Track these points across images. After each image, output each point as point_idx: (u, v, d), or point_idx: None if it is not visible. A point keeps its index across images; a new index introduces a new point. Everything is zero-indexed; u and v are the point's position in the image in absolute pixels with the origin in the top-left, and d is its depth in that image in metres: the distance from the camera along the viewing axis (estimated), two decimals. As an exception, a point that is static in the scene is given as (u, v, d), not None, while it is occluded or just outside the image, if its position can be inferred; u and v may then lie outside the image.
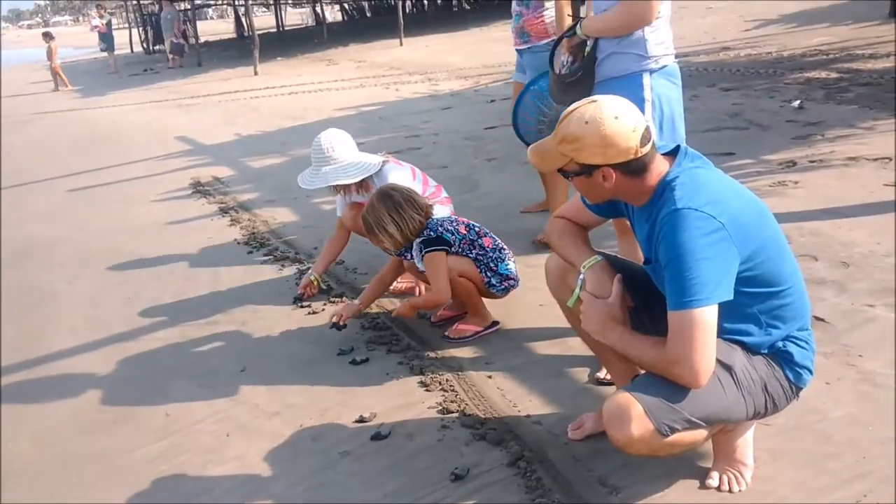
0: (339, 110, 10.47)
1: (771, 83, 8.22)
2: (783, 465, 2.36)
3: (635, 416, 1.98)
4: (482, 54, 15.04)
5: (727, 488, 2.27)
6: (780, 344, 2.16)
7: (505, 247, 3.52)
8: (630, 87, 2.77)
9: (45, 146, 10.89)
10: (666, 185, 2.07)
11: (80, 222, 6.29)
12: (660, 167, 2.11)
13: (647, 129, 2.07)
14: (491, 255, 3.43)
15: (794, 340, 2.17)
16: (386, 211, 3.34)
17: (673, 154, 2.16)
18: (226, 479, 2.64)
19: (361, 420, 2.89)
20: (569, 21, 3.73)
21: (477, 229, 3.49)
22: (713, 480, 2.30)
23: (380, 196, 3.41)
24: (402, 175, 3.85)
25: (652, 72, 2.83)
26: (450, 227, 3.43)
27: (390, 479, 2.53)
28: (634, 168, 2.07)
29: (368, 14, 34.80)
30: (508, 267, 3.47)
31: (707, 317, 1.95)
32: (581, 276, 2.31)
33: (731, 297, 1.99)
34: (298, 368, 3.36)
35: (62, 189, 7.70)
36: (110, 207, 6.70)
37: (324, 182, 3.85)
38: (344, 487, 2.52)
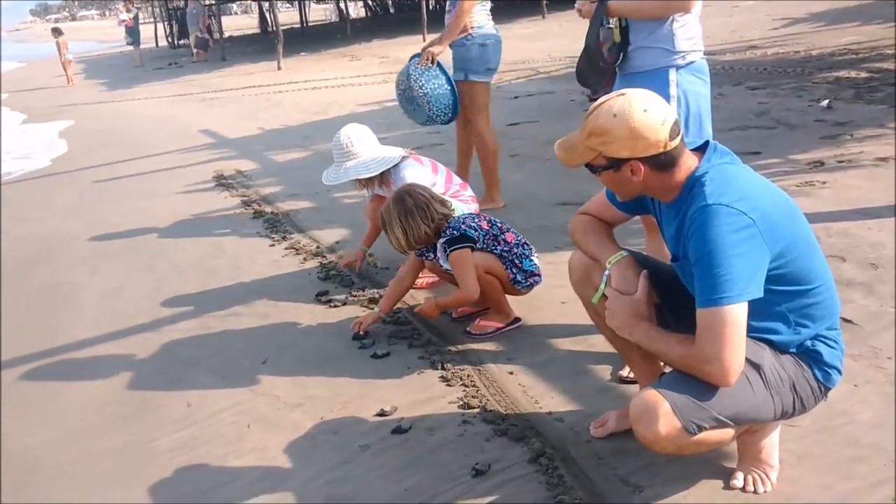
0: (362, 105, 10.47)
1: (799, 82, 8.11)
2: (809, 468, 2.32)
3: (663, 414, 1.95)
4: (506, 51, 14.94)
5: (752, 489, 2.24)
6: (808, 343, 2.12)
7: (528, 242, 3.50)
8: (656, 82, 2.73)
9: (68, 139, 10.99)
10: (695, 181, 2.04)
11: (102, 216, 6.33)
12: (688, 163, 2.08)
13: (676, 123, 2.04)
14: (515, 250, 3.41)
15: (824, 340, 2.13)
16: (397, 215, 3.34)
17: (702, 150, 2.13)
18: (246, 471, 2.64)
19: (382, 414, 2.88)
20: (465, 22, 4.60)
21: (499, 225, 3.46)
22: (738, 481, 2.26)
23: (395, 198, 3.41)
24: (419, 173, 3.83)
25: (679, 68, 2.80)
26: (472, 224, 3.40)
27: (410, 473, 2.52)
28: (663, 162, 2.04)
29: (392, 10, 34.84)
30: (533, 262, 3.45)
31: (737, 314, 1.92)
32: (606, 273, 2.28)
33: (761, 294, 1.96)
34: (320, 361, 3.36)
35: (86, 182, 7.76)
36: (133, 201, 6.75)
37: (344, 177, 3.90)
38: (363, 482, 2.51)
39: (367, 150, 3.91)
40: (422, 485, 2.45)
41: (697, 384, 1.98)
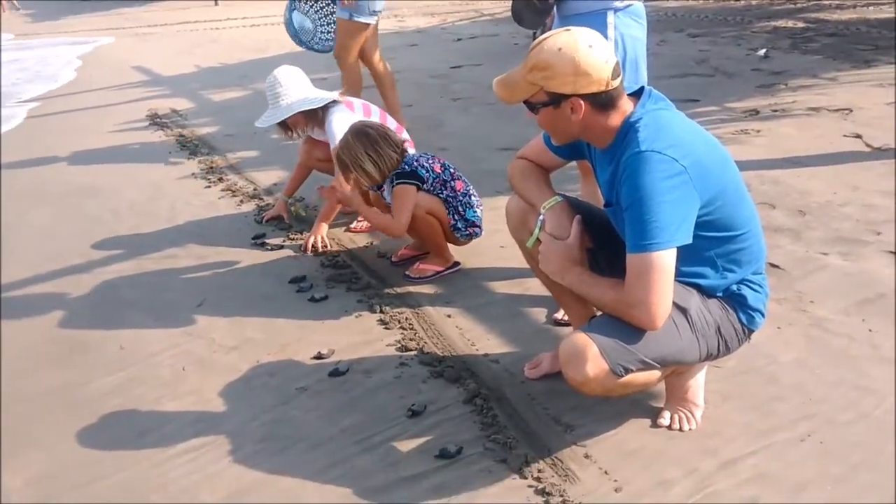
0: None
1: (738, 31, 8.21)
2: (732, 407, 2.42)
3: (591, 357, 2.00)
4: (450, -9, 14.75)
5: (678, 427, 2.32)
6: (734, 287, 2.19)
7: (475, 193, 3.50)
8: (594, 24, 2.67)
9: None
10: (630, 127, 2.06)
11: (33, 153, 6.10)
12: (625, 107, 2.09)
13: (618, 64, 2.05)
14: (461, 198, 3.41)
15: (749, 284, 2.20)
16: (362, 148, 3.29)
17: (637, 95, 2.14)
18: (180, 414, 2.62)
19: (319, 356, 2.88)
20: None
21: (451, 171, 3.46)
22: (664, 419, 2.35)
23: (355, 133, 3.35)
24: (348, 118, 3.78)
25: (616, 10, 2.79)
26: (425, 164, 3.39)
27: (347, 414, 2.54)
28: (603, 101, 2.05)
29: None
30: (476, 214, 3.45)
31: (666, 260, 1.96)
32: (541, 217, 2.30)
33: (690, 240, 2.00)
34: (257, 304, 3.33)
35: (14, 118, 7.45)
36: (64, 137, 6.51)
37: (273, 119, 3.88)
38: (300, 423, 2.52)
39: (297, 92, 3.86)
40: (358, 425, 2.48)
41: (625, 328, 2.03)
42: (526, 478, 2.18)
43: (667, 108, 2.13)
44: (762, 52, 7.09)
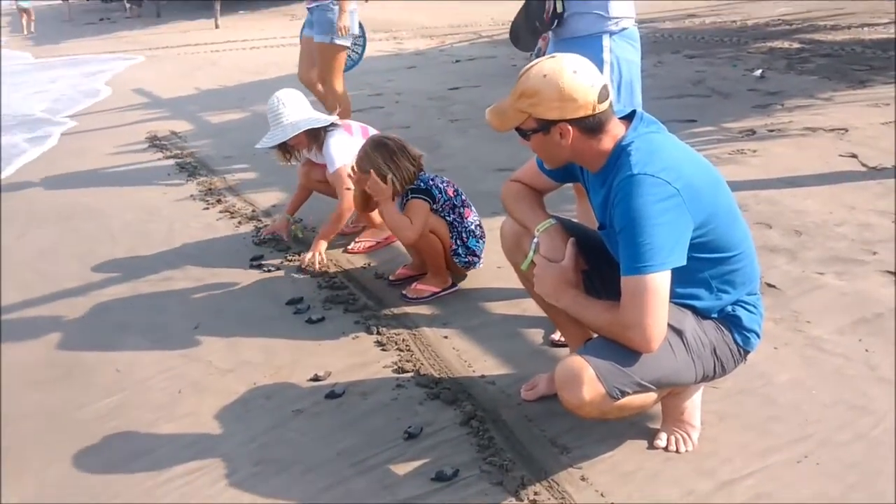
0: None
1: (734, 52, 8.27)
2: (728, 428, 2.41)
3: (587, 380, 2.00)
4: (448, 14, 14.87)
5: (675, 449, 2.32)
6: (729, 308, 2.19)
7: (482, 226, 3.54)
8: (590, 47, 2.75)
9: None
10: (622, 150, 2.07)
11: (31, 175, 6.12)
12: (615, 130, 2.11)
13: (606, 88, 2.06)
14: (467, 226, 3.45)
15: (744, 305, 2.20)
16: (381, 159, 3.31)
17: (629, 118, 2.16)
18: (176, 437, 2.62)
19: (316, 378, 2.88)
20: None
21: (463, 198, 3.50)
22: (661, 441, 2.34)
23: (374, 144, 3.38)
24: (346, 142, 3.81)
25: (612, 34, 2.81)
26: (440, 185, 3.44)
27: (343, 437, 2.53)
28: (592, 125, 2.06)
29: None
30: (479, 244, 3.48)
31: (660, 282, 1.97)
32: (535, 240, 2.31)
33: (684, 262, 2.01)
34: (253, 326, 3.33)
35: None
36: (63, 160, 6.54)
37: (271, 141, 3.90)
38: (296, 446, 2.52)
39: (299, 113, 3.88)
40: (354, 447, 2.47)
41: (621, 350, 2.03)
42: (522, 500, 2.17)
43: (658, 131, 2.14)
44: (758, 72, 7.14)
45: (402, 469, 2.36)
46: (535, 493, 2.18)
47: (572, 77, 2.01)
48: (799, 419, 2.42)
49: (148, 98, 9.34)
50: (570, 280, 2.20)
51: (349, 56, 5.53)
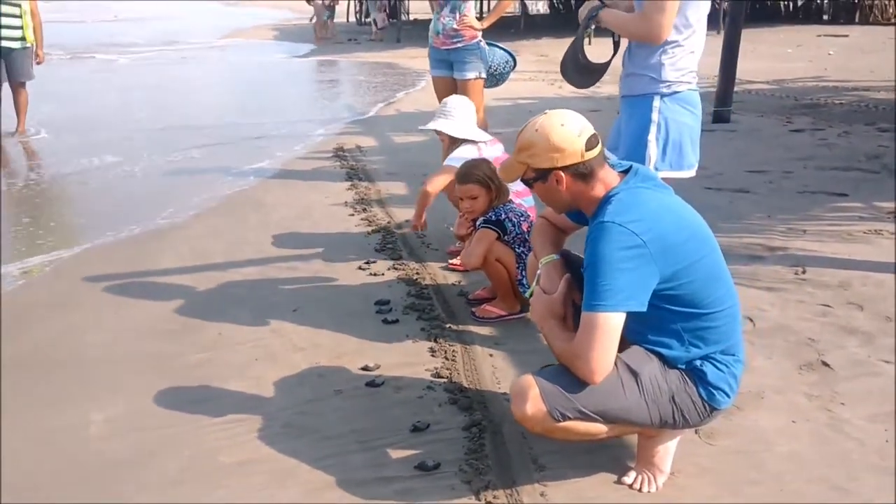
0: (497, 100, 10.76)
1: (938, 130, 7.68)
2: (704, 482, 2.48)
3: (531, 397, 2.22)
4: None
5: (638, 487, 2.44)
6: (697, 362, 2.30)
7: None
8: (641, 107, 2.94)
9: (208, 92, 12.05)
10: (608, 199, 2.28)
11: (225, 165, 7.10)
12: (608, 179, 2.32)
13: (594, 137, 2.29)
14: None
15: (713, 361, 2.30)
16: (492, 174, 3.77)
17: (627, 172, 2.36)
18: (236, 394, 3.11)
19: (366, 368, 3.27)
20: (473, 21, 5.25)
21: None
22: (628, 478, 2.47)
23: (486, 161, 3.88)
24: (468, 155, 4.19)
25: (663, 96, 2.97)
26: (513, 219, 3.73)
27: (363, 419, 2.89)
28: (582, 172, 2.29)
29: (574, 8, 34.74)
30: None
31: (611, 322, 2.15)
32: (539, 272, 2.55)
33: (643, 308, 2.18)
34: (340, 316, 3.79)
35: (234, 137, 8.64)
36: (253, 157, 7.54)
37: (434, 125, 4.42)
38: (323, 418, 2.91)
39: (460, 118, 4.39)
40: (367, 429, 2.82)
41: (570, 378, 2.23)
42: (480, 500, 2.41)
43: (651, 187, 2.32)
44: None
45: (396, 454, 2.68)
46: (494, 497, 2.41)
47: (560, 129, 2.26)
48: (776, 488, 2.44)
49: (352, 114, 10.31)
50: (555, 311, 2.41)
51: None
